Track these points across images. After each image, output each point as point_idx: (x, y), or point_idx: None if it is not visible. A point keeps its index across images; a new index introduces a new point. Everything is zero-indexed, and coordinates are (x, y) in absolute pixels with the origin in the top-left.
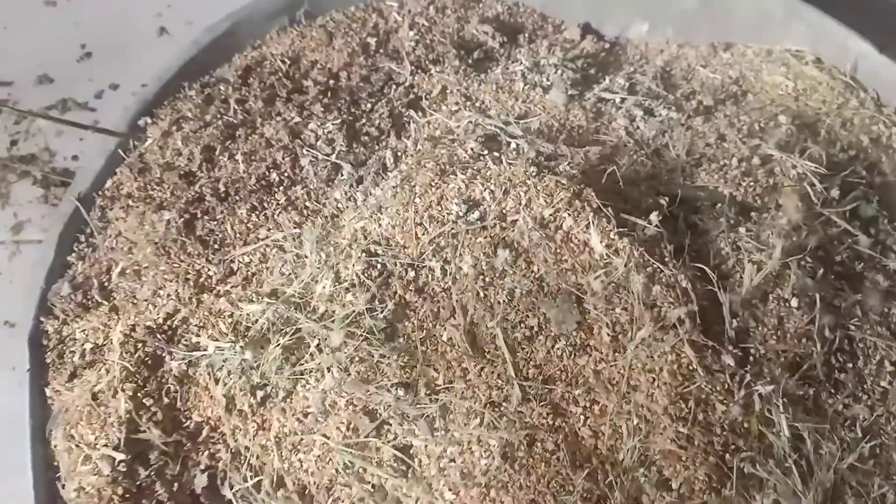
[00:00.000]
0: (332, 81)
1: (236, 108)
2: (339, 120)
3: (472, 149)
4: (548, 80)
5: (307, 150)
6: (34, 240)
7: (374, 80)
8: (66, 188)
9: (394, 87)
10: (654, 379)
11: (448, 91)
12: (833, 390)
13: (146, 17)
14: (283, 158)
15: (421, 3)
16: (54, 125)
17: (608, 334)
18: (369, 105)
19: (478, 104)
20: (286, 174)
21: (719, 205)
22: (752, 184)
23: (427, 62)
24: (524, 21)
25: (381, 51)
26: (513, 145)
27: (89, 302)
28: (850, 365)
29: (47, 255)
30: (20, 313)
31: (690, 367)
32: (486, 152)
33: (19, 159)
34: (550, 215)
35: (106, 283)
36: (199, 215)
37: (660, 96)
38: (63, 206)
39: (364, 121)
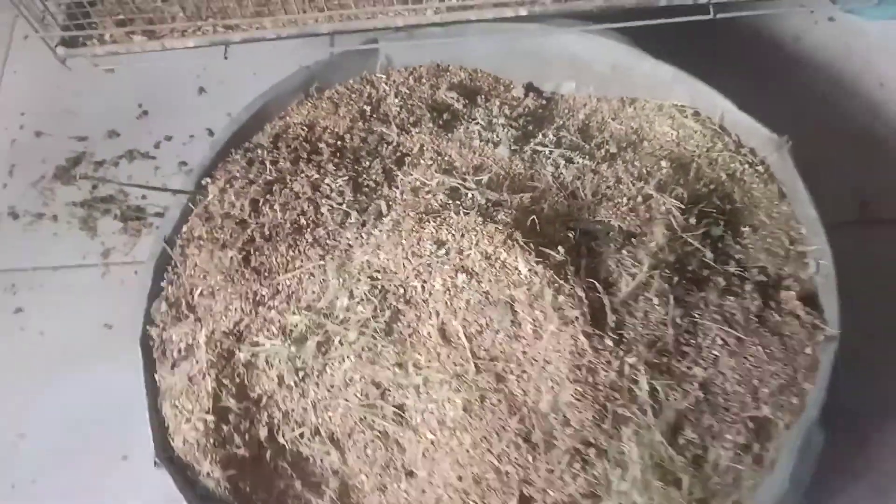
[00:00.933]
0: (339, 143)
1: (271, 168)
2: (347, 176)
3: (440, 200)
4: (497, 136)
5: (325, 200)
6: (119, 262)
7: (370, 140)
8: (140, 221)
9: (385, 146)
10: (560, 356)
11: (425, 148)
12: (680, 358)
13: (188, 79)
14: (308, 207)
15: (402, 75)
16: (126, 172)
17: (531, 328)
18: (367, 162)
19: (446, 158)
20: (311, 219)
21: (611, 233)
22: (634, 217)
23: (408, 125)
24: (482, 84)
25: (374, 115)
26: (469, 195)
27: (180, 315)
28: (693, 341)
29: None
30: (115, 318)
31: (583, 348)
32: (450, 202)
33: (101, 200)
34: (492, 250)
35: (190, 301)
36: (252, 252)
37: (579, 147)
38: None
39: (364, 176)
